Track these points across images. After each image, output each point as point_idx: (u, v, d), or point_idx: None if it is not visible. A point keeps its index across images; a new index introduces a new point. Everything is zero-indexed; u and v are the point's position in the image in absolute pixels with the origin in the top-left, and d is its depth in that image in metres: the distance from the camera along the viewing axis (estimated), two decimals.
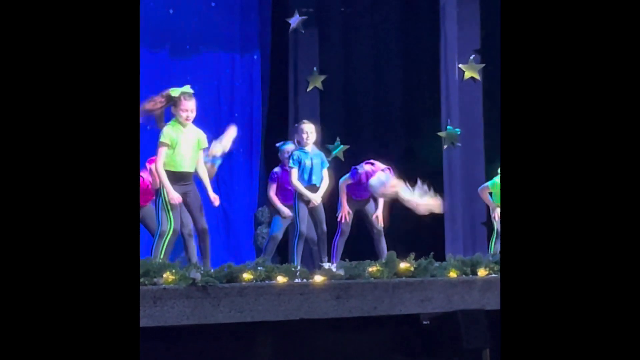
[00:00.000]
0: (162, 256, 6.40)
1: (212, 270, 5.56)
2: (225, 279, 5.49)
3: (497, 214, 8.81)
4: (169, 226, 6.62)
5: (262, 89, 11.73)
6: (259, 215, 11.35)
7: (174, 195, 6.57)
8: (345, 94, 11.15)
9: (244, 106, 11.57)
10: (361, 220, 8.29)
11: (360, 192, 8.28)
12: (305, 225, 8.12)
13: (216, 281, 5.38)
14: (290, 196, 8.49)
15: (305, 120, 8.60)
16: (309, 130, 8.28)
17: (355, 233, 8.35)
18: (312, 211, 8.15)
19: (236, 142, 8.61)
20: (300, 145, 8.23)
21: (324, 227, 8.18)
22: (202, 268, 5.57)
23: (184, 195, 6.68)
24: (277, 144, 9.29)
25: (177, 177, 6.65)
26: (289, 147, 8.69)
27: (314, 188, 8.03)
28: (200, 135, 6.84)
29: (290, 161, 8.06)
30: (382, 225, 8.26)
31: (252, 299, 5.47)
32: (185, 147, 6.72)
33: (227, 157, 9.31)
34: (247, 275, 5.59)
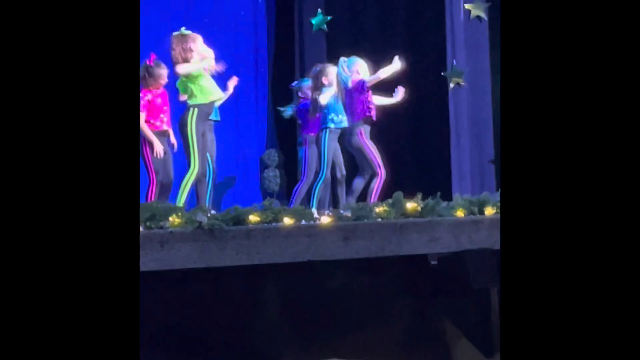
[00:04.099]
0: (182, 200, 6.47)
1: (219, 213, 5.56)
2: (231, 222, 5.47)
3: None
4: (192, 168, 6.74)
5: (267, 31, 11.70)
6: (266, 158, 11.34)
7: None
8: (350, 34, 11.08)
9: (250, 48, 11.58)
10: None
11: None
12: (329, 169, 8.12)
13: (222, 224, 5.36)
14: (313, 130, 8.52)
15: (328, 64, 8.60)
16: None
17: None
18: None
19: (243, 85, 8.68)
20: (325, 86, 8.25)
21: (343, 170, 8.22)
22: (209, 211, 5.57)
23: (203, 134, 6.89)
24: (293, 84, 9.32)
25: (208, 111, 6.84)
26: (309, 83, 8.73)
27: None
28: None
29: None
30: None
31: (259, 242, 5.45)
32: (210, 80, 7.01)
33: (234, 100, 9.34)
34: (253, 218, 5.57)
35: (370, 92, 8.25)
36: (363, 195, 8.13)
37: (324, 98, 8.08)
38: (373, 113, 8.21)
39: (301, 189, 8.50)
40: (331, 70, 8.29)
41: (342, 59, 8.41)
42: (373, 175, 8.09)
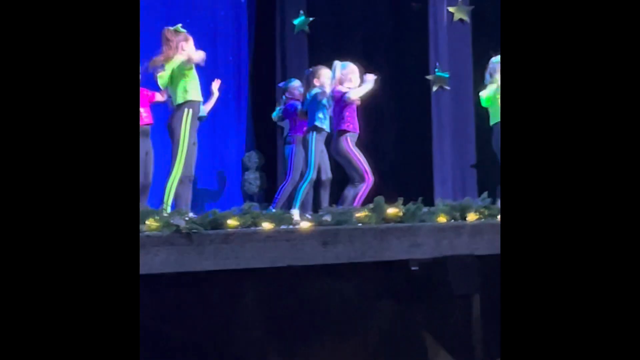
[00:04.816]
0: (169, 204, 6.41)
1: (196, 217, 5.49)
2: (210, 226, 5.41)
3: None
4: (176, 169, 6.66)
5: (249, 32, 11.67)
6: (246, 161, 11.29)
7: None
8: (333, 36, 11.03)
9: (231, 49, 11.54)
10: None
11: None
12: (316, 171, 8.06)
13: (201, 228, 5.30)
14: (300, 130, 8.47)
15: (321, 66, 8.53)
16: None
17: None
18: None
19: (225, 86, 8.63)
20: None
21: (329, 173, 8.18)
22: (187, 214, 5.51)
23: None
24: (281, 84, 9.31)
25: (199, 109, 6.82)
26: (296, 83, 8.72)
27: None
28: None
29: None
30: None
31: (237, 246, 5.39)
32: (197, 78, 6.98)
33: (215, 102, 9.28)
34: (232, 222, 5.51)
35: (350, 106, 8.12)
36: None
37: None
38: (349, 127, 8.09)
39: (285, 189, 8.46)
40: (323, 72, 8.23)
41: (337, 62, 8.32)
42: (361, 181, 8.03)
